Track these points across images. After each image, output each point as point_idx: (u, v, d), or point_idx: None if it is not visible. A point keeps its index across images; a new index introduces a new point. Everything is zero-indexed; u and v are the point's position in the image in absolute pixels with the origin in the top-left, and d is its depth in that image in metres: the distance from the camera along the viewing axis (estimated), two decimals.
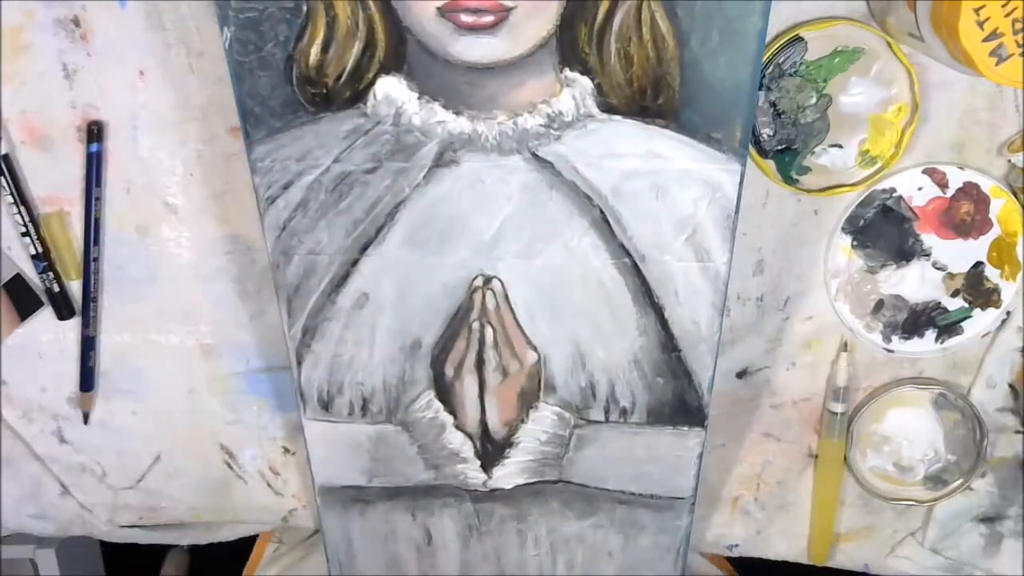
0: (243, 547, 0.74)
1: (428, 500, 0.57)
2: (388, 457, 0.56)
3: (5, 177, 0.56)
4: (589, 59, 0.44)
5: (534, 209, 0.48)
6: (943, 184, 0.56)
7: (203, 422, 0.64)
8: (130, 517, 0.68)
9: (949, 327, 0.59)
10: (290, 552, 0.74)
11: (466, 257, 0.49)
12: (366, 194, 0.47)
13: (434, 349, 0.52)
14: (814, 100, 0.53)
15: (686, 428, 0.53)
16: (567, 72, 0.44)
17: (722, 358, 0.57)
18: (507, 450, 0.55)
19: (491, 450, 0.55)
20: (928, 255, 0.58)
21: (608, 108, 0.45)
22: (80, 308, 0.60)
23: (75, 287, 0.60)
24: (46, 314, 0.61)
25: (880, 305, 0.59)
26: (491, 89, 0.45)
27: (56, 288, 0.59)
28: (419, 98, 0.45)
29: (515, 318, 0.51)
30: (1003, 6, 0.42)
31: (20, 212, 0.57)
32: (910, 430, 0.63)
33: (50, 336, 0.62)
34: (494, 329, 0.51)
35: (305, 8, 0.43)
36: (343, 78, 0.45)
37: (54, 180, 0.57)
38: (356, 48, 0.44)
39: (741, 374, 0.62)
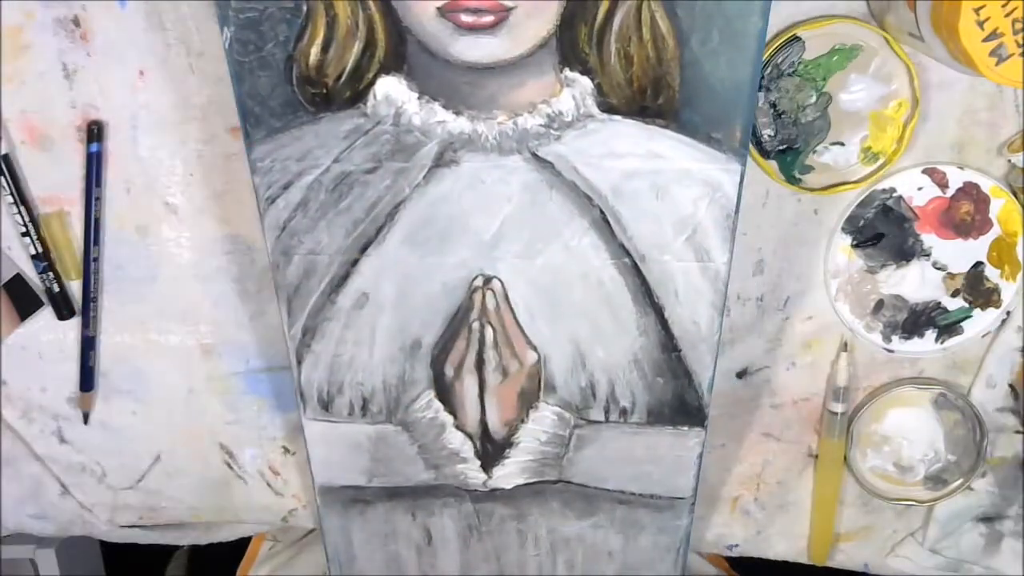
0: (243, 547, 0.74)
1: (428, 500, 0.57)
2: (388, 457, 0.56)
3: (5, 177, 0.56)
4: (589, 59, 0.44)
5: (534, 209, 0.48)
6: (943, 184, 0.56)
7: (203, 422, 0.64)
8: (130, 517, 0.68)
9: (949, 327, 0.59)
10: (285, 550, 0.74)
11: (466, 257, 0.49)
12: (366, 194, 0.47)
13: (434, 349, 0.52)
14: (814, 99, 0.53)
15: (686, 428, 0.53)
16: (567, 72, 0.44)
17: (722, 358, 0.57)
18: (507, 450, 0.55)
19: (491, 450, 0.55)
20: (928, 255, 0.58)
21: (608, 108, 0.45)
22: (80, 308, 0.60)
23: (75, 287, 0.60)
24: (46, 314, 0.61)
25: (880, 305, 0.59)
26: (491, 89, 0.45)
27: (56, 288, 0.59)
28: (419, 98, 0.45)
29: (515, 318, 0.51)
30: (1003, 6, 0.42)
31: (20, 212, 0.57)
32: (910, 430, 0.63)
33: (50, 336, 0.62)
34: (494, 329, 0.51)
35: (305, 8, 0.43)
36: (343, 78, 0.45)
37: (54, 180, 0.57)
38: (356, 48, 0.44)
39: (741, 374, 0.62)
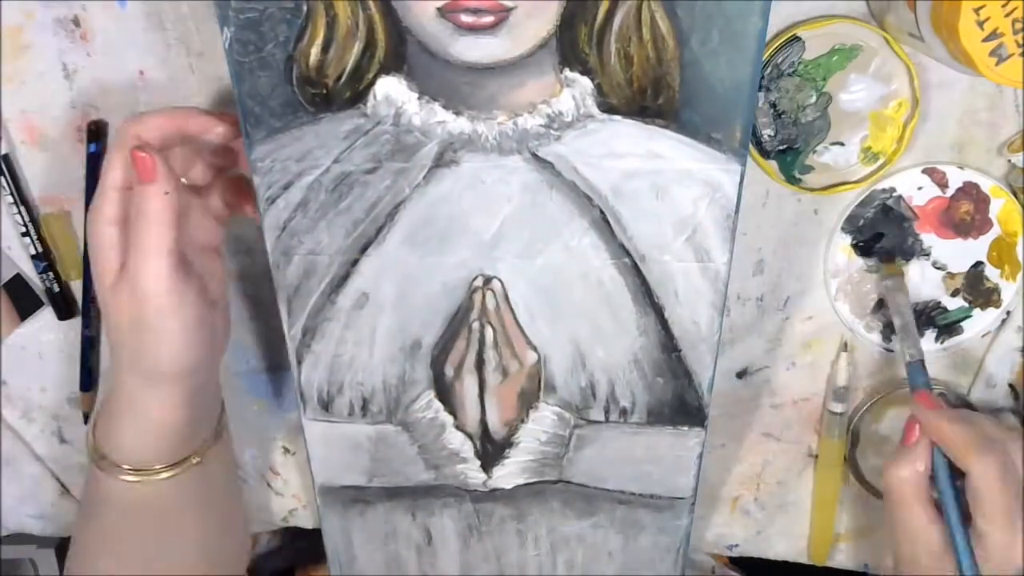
0: None
1: (428, 500, 0.57)
2: (388, 457, 0.56)
3: (5, 177, 0.56)
4: (589, 59, 0.44)
5: (534, 209, 0.48)
6: (943, 184, 0.56)
7: None
8: None
9: (949, 327, 0.59)
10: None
11: (466, 257, 0.49)
12: (366, 194, 0.47)
13: (434, 349, 0.52)
14: (814, 99, 0.53)
15: (686, 428, 0.53)
16: (567, 72, 0.44)
17: (722, 358, 0.57)
18: (507, 450, 0.55)
19: (491, 450, 0.55)
20: (928, 255, 0.58)
21: (608, 108, 0.45)
22: (80, 308, 0.60)
23: (75, 287, 0.60)
24: (46, 314, 0.61)
25: (880, 305, 0.59)
26: (491, 89, 0.45)
27: (56, 288, 0.59)
28: (419, 98, 0.45)
29: (515, 318, 0.51)
30: (1003, 6, 0.42)
31: (20, 212, 0.57)
32: None
33: (50, 336, 0.62)
34: (494, 329, 0.51)
35: (305, 8, 0.43)
36: (343, 78, 0.45)
37: (54, 180, 0.57)
38: (356, 48, 0.44)
39: (741, 374, 0.62)
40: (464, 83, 0.45)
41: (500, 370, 0.52)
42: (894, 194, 0.56)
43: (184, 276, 0.46)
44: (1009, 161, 0.56)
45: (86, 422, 0.64)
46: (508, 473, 0.56)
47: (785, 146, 0.54)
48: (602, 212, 0.48)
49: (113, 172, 0.46)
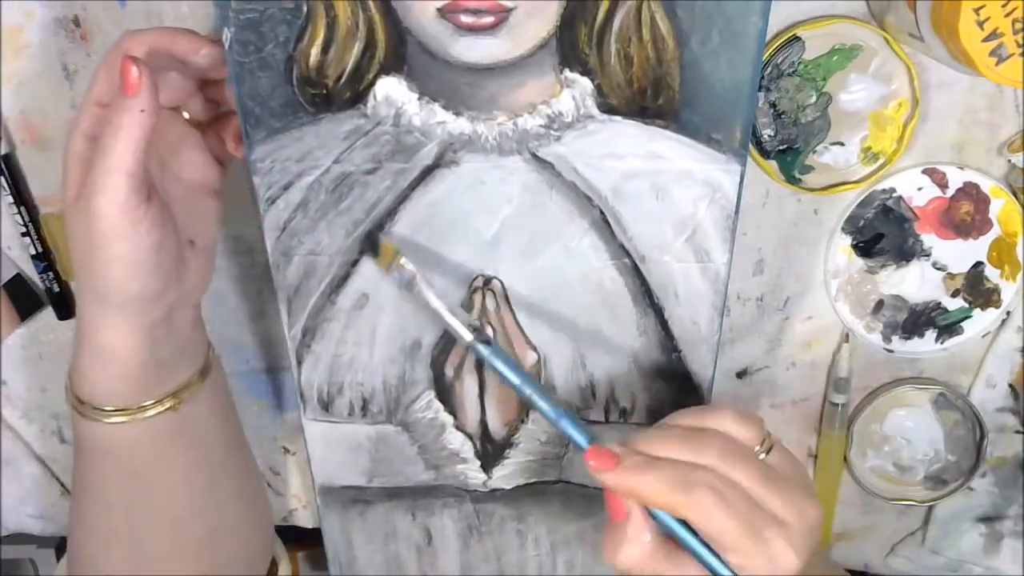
0: None
1: (428, 500, 0.57)
2: (388, 457, 0.56)
3: (5, 177, 0.56)
4: (589, 59, 0.44)
5: (534, 210, 0.48)
6: (943, 184, 0.56)
7: None
8: None
9: (949, 327, 0.59)
10: None
11: (466, 257, 0.49)
12: (366, 194, 0.47)
13: (434, 349, 0.52)
14: (814, 99, 0.53)
15: None
16: (567, 72, 0.44)
17: (722, 358, 0.57)
18: (507, 450, 0.55)
19: (491, 450, 0.55)
20: (928, 255, 0.58)
21: (608, 109, 0.45)
22: None
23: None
24: (46, 314, 0.61)
25: (880, 305, 0.59)
26: (491, 90, 0.45)
27: (56, 288, 0.59)
28: (419, 99, 0.45)
29: (515, 318, 0.51)
30: (1003, 6, 0.42)
31: (20, 212, 0.57)
32: (910, 430, 0.63)
33: (50, 336, 0.62)
34: (494, 329, 0.51)
35: (305, 9, 0.43)
36: (343, 79, 0.45)
37: (54, 180, 0.57)
38: (356, 49, 0.44)
39: (741, 374, 0.62)
40: (464, 83, 0.45)
41: None
42: (894, 194, 0.56)
43: (143, 201, 0.42)
44: (1009, 161, 0.56)
45: None
46: (508, 473, 0.56)
47: (785, 146, 0.54)
48: (602, 212, 0.48)
49: (98, 86, 0.44)
